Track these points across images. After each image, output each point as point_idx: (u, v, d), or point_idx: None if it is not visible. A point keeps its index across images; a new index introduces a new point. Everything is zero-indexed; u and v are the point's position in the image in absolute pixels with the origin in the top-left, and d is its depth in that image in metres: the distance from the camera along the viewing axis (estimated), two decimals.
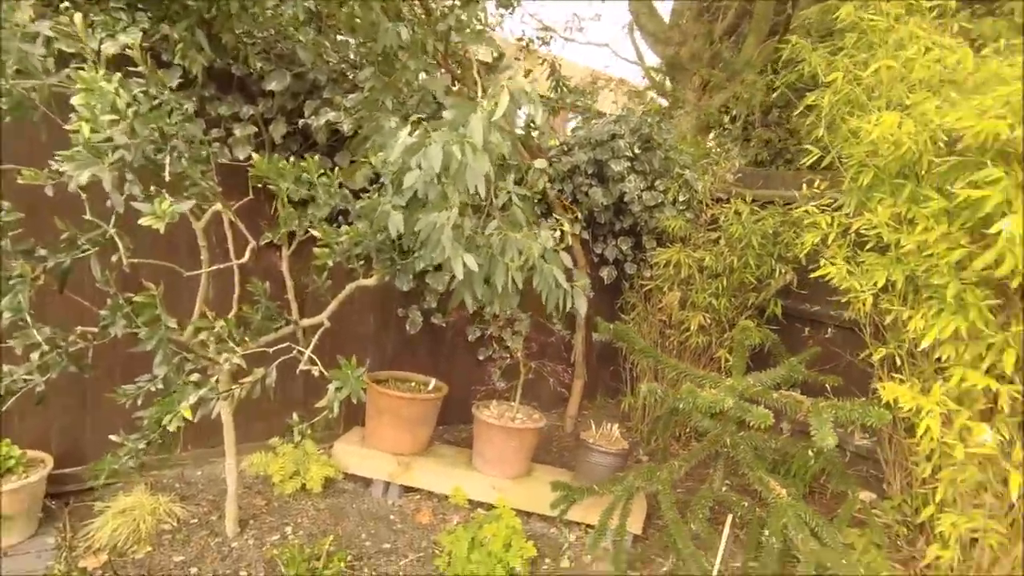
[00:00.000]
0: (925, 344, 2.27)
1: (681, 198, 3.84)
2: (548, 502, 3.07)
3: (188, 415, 1.48)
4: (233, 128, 2.79)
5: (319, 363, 1.77)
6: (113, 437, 1.69)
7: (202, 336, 1.76)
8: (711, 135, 6.75)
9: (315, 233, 1.76)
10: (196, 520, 2.81)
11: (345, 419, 3.72)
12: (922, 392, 2.33)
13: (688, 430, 4.27)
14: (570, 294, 1.72)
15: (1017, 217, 1.85)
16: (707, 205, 3.89)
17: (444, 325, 3.81)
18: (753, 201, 3.70)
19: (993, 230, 1.91)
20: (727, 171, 4.02)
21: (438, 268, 3.53)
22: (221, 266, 2.00)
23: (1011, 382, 2.27)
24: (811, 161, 2.68)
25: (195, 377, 1.64)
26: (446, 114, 1.56)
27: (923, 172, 2.27)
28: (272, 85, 2.81)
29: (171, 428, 1.60)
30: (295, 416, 1.75)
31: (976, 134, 2.03)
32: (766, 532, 2.71)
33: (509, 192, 1.66)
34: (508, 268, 1.53)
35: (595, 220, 4.07)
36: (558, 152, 3.94)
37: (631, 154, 3.68)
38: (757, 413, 2.41)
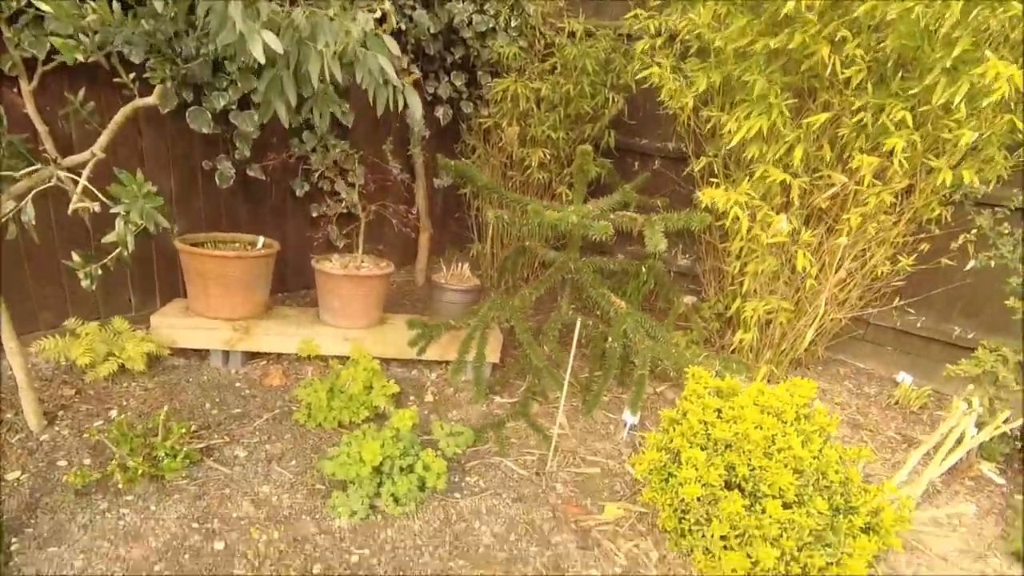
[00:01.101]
0: (735, 142, 2.46)
1: (514, 23, 3.62)
2: (405, 346, 3.05)
3: None
4: None
5: (98, 197, 1.41)
6: None
7: None
8: None
9: (43, 7, 1.29)
10: None
11: (161, 294, 3.27)
12: (733, 190, 2.57)
13: (535, 269, 4.44)
14: (400, 90, 1.51)
15: None
16: (540, 32, 3.72)
17: (265, 179, 3.37)
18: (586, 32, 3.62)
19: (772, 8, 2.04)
20: None
21: (244, 106, 3.04)
22: None
23: (799, 176, 2.59)
24: None
25: None
26: None
27: None
28: None
29: None
30: (75, 256, 1.40)
31: None
32: (609, 339, 2.97)
33: None
34: (322, 56, 1.26)
35: (424, 53, 3.72)
36: None
37: None
38: (598, 227, 2.50)
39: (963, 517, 2.49)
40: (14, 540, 1.86)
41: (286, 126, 1.75)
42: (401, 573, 1.96)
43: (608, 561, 2.12)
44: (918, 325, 3.46)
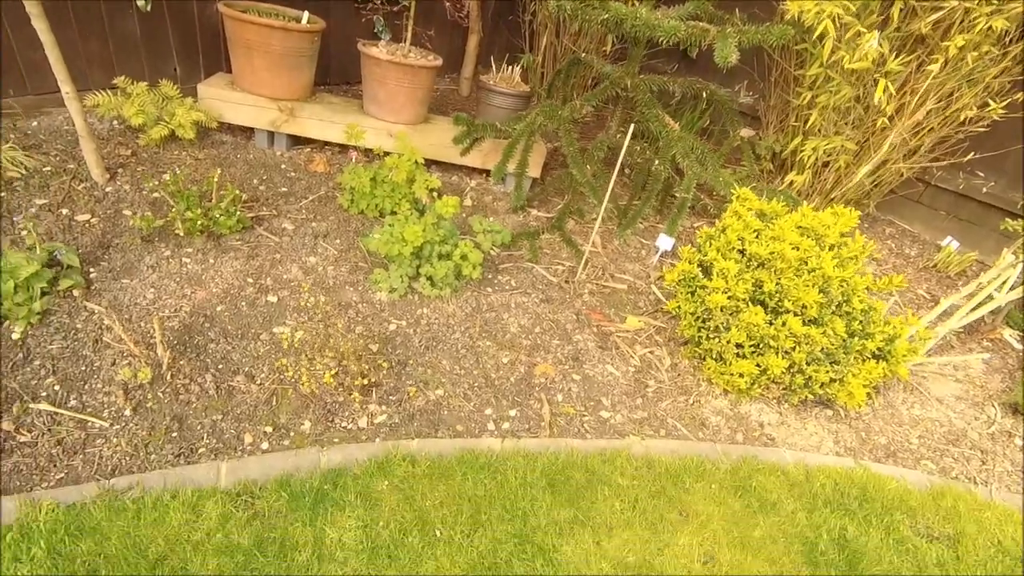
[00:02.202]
0: None
1: None
2: (447, 148, 3.02)
3: None
4: None
5: None
6: None
7: None
8: None
9: None
10: (49, 168, 2.46)
11: (204, 68, 3.21)
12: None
13: (587, 88, 4.20)
14: None
15: None
16: None
17: None
18: None
19: None
20: None
21: None
22: None
23: None
24: None
25: None
26: None
27: None
28: None
29: None
30: None
31: None
32: (656, 162, 2.89)
33: None
34: None
35: None
36: None
37: None
38: (668, 26, 2.30)
39: (970, 370, 2.58)
40: (91, 270, 2.06)
41: None
42: (434, 343, 2.15)
43: (623, 360, 2.29)
44: (984, 190, 3.28)
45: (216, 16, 3.00)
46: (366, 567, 1.39)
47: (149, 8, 1.43)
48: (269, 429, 1.71)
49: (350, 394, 1.83)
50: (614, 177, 2.55)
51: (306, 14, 2.91)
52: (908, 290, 3.06)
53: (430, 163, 3.18)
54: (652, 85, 2.99)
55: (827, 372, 1.90)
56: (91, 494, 1.42)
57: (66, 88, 2.19)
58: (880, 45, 2.38)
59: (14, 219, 2.16)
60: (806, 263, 1.87)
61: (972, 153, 3.05)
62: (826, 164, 3.02)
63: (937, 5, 2.34)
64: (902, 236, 3.56)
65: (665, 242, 2.74)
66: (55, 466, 1.49)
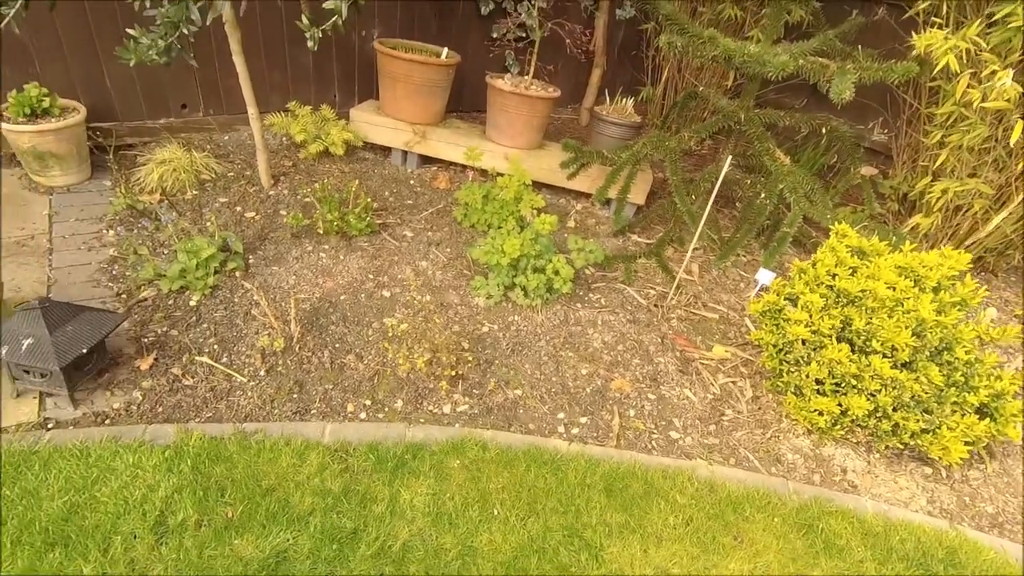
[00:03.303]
0: None
1: None
2: (557, 173, 3.23)
3: None
4: None
5: None
6: (130, 31, 1.71)
7: None
8: None
9: None
10: (232, 174, 3.03)
11: (359, 95, 3.72)
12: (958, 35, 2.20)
13: (704, 120, 4.22)
14: None
15: None
16: None
17: None
18: None
19: None
20: None
21: None
22: None
23: None
24: None
25: None
26: None
27: None
28: None
29: (178, 22, 1.60)
30: (304, 18, 1.72)
31: None
32: (762, 195, 2.88)
33: None
34: None
35: None
36: None
37: None
38: (776, 62, 2.33)
39: None
40: (250, 257, 2.51)
41: None
42: (519, 347, 2.33)
43: (702, 386, 2.31)
44: None
45: (372, 51, 3.50)
46: (430, 527, 1.59)
47: (316, 48, 1.79)
48: (368, 402, 1.99)
49: (439, 382, 2.07)
50: (709, 205, 2.60)
51: (445, 50, 3.30)
52: None
53: (541, 186, 3.42)
54: (766, 119, 2.99)
55: (917, 421, 1.80)
56: (228, 432, 1.77)
57: (251, 110, 2.71)
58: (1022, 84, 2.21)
59: (203, 212, 2.70)
60: (901, 304, 1.80)
61: None
62: (959, 208, 2.81)
63: None
64: None
65: (766, 276, 2.70)
66: (206, 407, 1.87)
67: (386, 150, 3.48)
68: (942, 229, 2.94)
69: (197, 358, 1.99)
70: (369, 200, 2.83)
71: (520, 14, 3.65)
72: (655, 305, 2.71)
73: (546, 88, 3.23)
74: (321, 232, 2.64)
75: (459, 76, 3.59)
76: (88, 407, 1.76)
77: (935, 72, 2.22)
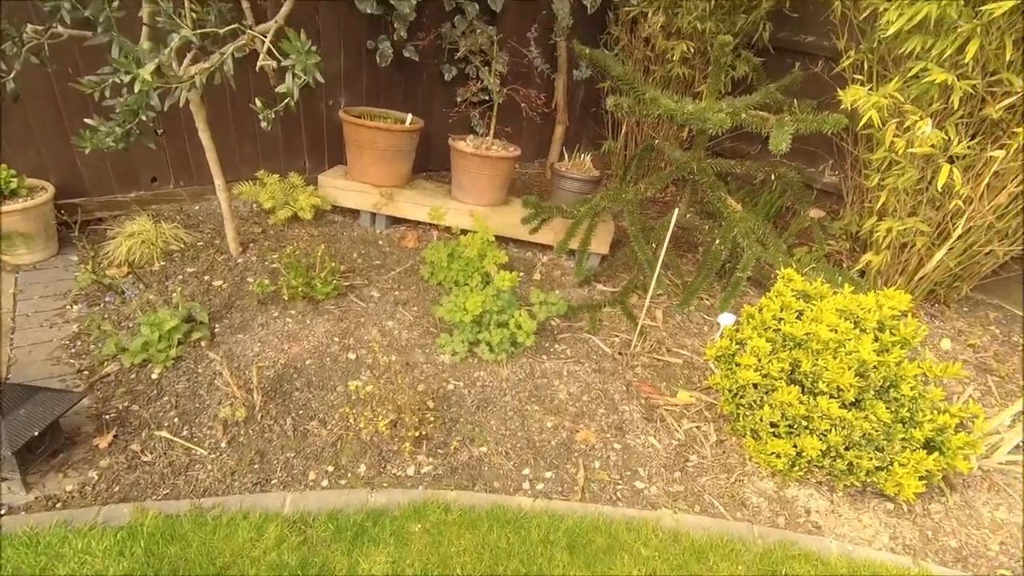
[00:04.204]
0: (891, 32, 2.22)
1: None
2: (523, 227, 3.33)
3: (148, 77, 1.53)
4: None
5: (276, 58, 1.78)
6: (88, 120, 1.78)
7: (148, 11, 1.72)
8: None
9: None
10: (202, 243, 3.09)
11: (328, 161, 3.84)
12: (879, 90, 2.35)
13: (663, 169, 4.38)
14: None
15: None
16: None
17: (418, 60, 3.68)
18: None
19: None
20: None
21: None
22: None
23: (968, 78, 2.28)
24: None
25: (148, 45, 1.66)
26: None
27: None
28: None
29: (137, 109, 1.68)
30: (258, 102, 1.81)
31: None
32: (717, 241, 2.98)
33: None
34: None
35: None
36: None
37: None
38: (715, 119, 2.46)
39: None
40: (216, 326, 2.54)
41: (406, 10, 1.95)
42: (485, 403, 2.35)
43: (667, 433, 2.34)
44: None
45: (339, 119, 3.63)
46: None
47: (270, 128, 1.88)
48: (331, 468, 1.98)
49: (403, 444, 2.08)
50: (662, 253, 2.68)
51: (410, 116, 3.44)
52: (1009, 380, 2.79)
53: (508, 240, 3.51)
54: (717, 168, 3.13)
55: (870, 459, 1.84)
56: (184, 509, 1.75)
57: (219, 182, 2.79)
58: (945, 131, 2.36)
59: (169, 283, 2.73)
60: (843, 345, 1.87)
61: None
62: (905, 245, 2.93)
63: (1008, 90, 2.30)
64: (1010, 322, 3.25)
65: (727, 319, 2.77)
66: (164, 483, 1.86)
67: (355, 212, 3.56)
68: (892, 265, 3.05)
69: (156, 433, 1.99)
70: (336, 263, 2.89)
71: (482, 79, 3.84)
72: (620, 353, 2.75)
73: (507, 148, 3.36)
74: (287, 298, 2.68)
75: (426, 137, 3.73)
76: (41, 490, 1.75)
77: (861, 124, 2.36)
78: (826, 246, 3.23)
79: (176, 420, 2.06)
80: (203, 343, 2.40)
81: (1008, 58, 2.22)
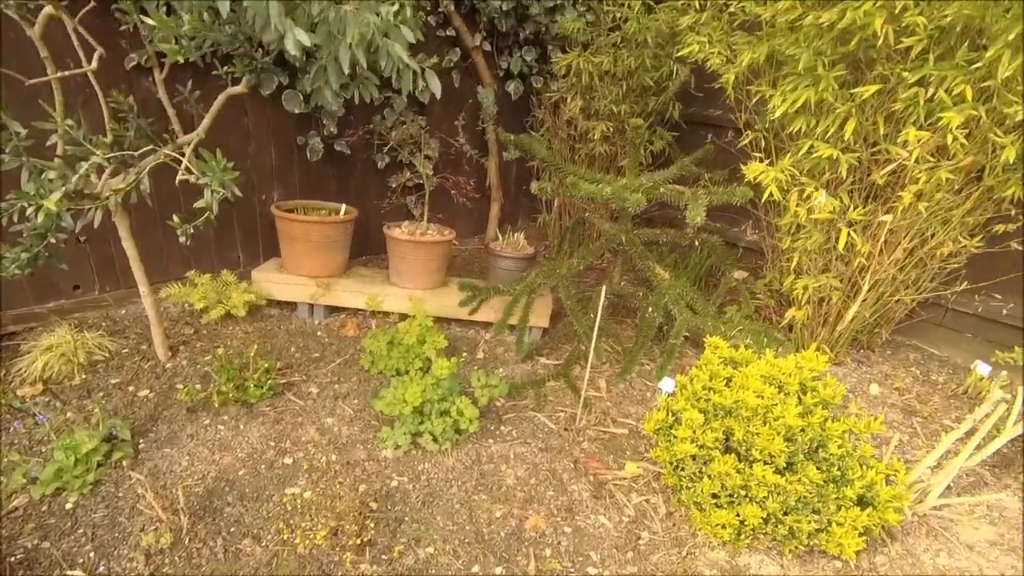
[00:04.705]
0: (778, 114, 2.44)
1: None
2: (463, 309, 3.36)
3: (53, 207, 1.51)
4: None
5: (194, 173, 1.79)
6: None
7: (58, 139, 1.72)
8: None
9: (149, 21, 1.67)
10: (127, 350, 2.96)
11: (263, 254, 3.81)
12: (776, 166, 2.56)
13: (596, 240, 4.55)
14: (419, 74, 1.73)
15: None
16: (607, 4, 3.76)
17: (349, 153, 3.78)
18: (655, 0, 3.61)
19: None
20: None
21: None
22: (66, 73, 1.89)
23: (851, 151, 2.52)
24: None
25: (54, 175, 1.64)
26: None
27: None
28: None
29: (45, 232, 1.64)
30: (175, 218, 1.81)
31: None
32: (650, 309, 3.08)
33: None
34: (350, 47, 1.51)
35: (497, 30, 3.91)
36: None
37: None
38: (632, 199, 2.60)
39: (1006, 510, 2.39)
40: (141, 441, 2.40)
41: (331, 109, 2.04)
42: (430, 498, 2.28)
43: (617, 510, 2.32)
44: (1004, 312, 3.22)
45: (272, 213, 3.64)
46: None
47: (188, 243, 1.87)
48: None
49: (344, 554, 1.98)
50: (596, 322, 2.75)
51: (344, 206, 3.48)
52: (933, 421, 2.93)
53: (450, 320, 3.52)
54: (645, 238, 3.28)
55: (809, 522, 1.87)
56: None
57: (143, 288, 2.72)
58: (839, 199, 2.58)
59: (90, 398, 2.59)
60: (770, 410, 1.93)
61: (963, 283, 3.05)
62: (823, 300, 3.11)
63: (889, 159, 2.55)
64: (928, 361, 3.46)
65: (668, 385, 2.83)
66: None
67: (292, 305, 3.52)
68: (814, 318, 3.22)
69: (69, 573, 1.83)
70: (272, 361, 2.82)
71: (416, 167, 3.95)
72: (566, 429, 2.75)
73: (442, 232, 3.43)
74: (218, 404, 2.58)
75: (363, 224, 3.77)
76: None
77: (765, 197, 2.55)
78: (753, 304, 3.38)
79: (92, 555, 1.91)
80: (125, 463, 2.26)
81: (883, 132, 2.47)
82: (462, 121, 4.04)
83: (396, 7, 1.50)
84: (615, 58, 3.60)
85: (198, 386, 2.66)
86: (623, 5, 3.57)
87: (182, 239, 1.80)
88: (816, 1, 2.30)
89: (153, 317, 2.81)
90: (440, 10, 3.73)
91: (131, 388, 2.71)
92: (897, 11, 2.16)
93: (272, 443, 2.47)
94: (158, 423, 2.50)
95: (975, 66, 2.13)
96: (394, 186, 4.02)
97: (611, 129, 3.89)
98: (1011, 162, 2.23)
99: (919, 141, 2.24)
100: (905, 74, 2.24)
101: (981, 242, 2.66)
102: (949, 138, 2.20)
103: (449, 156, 4.17)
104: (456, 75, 4.07)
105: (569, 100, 3.90)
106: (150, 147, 1.97)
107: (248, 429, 2.53)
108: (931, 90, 2.24)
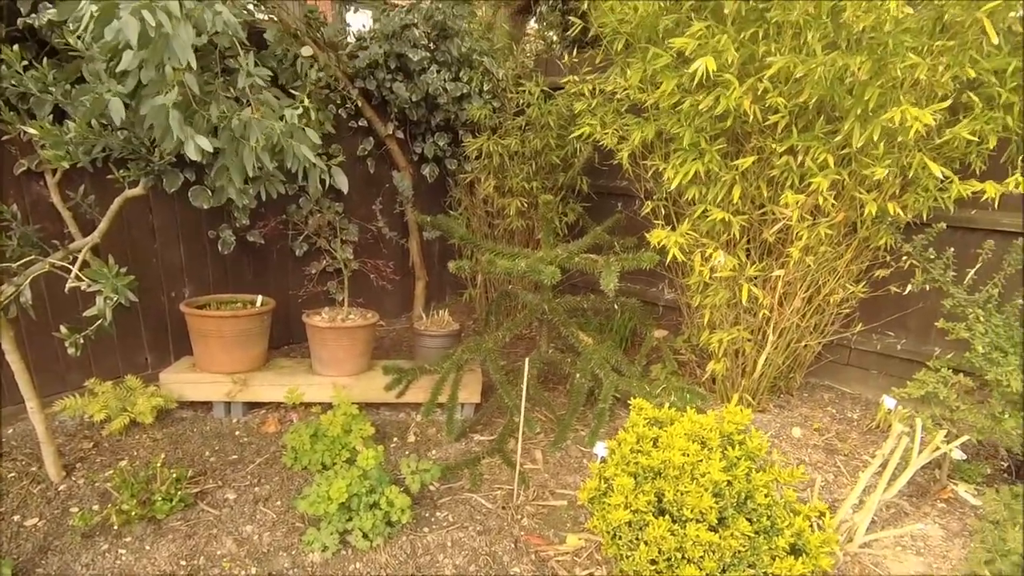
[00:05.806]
0: (673, 186, 2.65)
1: (486, 87, 3.94)
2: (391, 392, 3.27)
3: None
4: None
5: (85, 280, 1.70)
6: None
7: None
8: (531, 20, 6.78)
9: (30, 131, 1.62)
10: (14, 474, 2.66)
11: (174, 353, 3.60)
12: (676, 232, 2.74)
13: (521, 311, 4.63)
14: (326, 171, 1.77)
15: (709, 58, 2.18)
16: (510, 92, 4.03)
17: (264, 243, 3.72)
18: (552, 88, 3.89)
19: (691, 70, 2.24)
20: (526, 57, 4.16)
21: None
22: None
23: (742, 213, 2.74)
24: (575, 33, 2.88)
25: None
26: None
27: (658, 35, 2.55)
28: None
29: None
30: (63, 328, 1.69)
31: None
32: (578, 375, 3.12)
33: (251, 74, 1.62)
34: (254, 150, 1.53)
35: (408, 119, 4.07)
36: (355, 47, 3.81)
37: (428, 44, 3.66)
38: (547, 272, 2.69)
39: (929, 539, 2.50)
40: None
41: (240, 204, 2.04)
42: None
43: None
44: (898, 348, 3.49)
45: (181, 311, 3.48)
46: None
47: (79, 354, 1.75)
48: None
49: None
50: (524, 394, 2.75)
51: (260, 297, 3.38)
52: (854, 457, 3.07)
53: (380, 405, 3.41)
54: (566, 306, 3.37)
55: None
56: None
57: (31, 404, 2.48)
58: (736, 257, 2.78)
59: None
60: (696, 467, 1.97)
61: (859, 324, 3.32)
62: (737, 351, 3.26)
63: (776, 218, 2.79)
64: (842, 400, 3.66)
65: (602, 449, 2.83)
66: None
67: (208, 405, 3.31)
68: (733, 370, 3.36)
69: None
70: (183, 469, 2.61)
71: (335, 252, 3.93)
72: (503, 507, 2.67)
73: (364, 315, 3.38)
74: (118, 525, 2.33)
75: (284, 313, 3.66)
76: None
77: (670, 259, 2.71)
78: (676, 360, 3.50)
79: None
80: None
81: (766, 195, 2.71)
82: (379, 205, 4.09)
83: (300, 111, 1.55)
84: (522, 140, 3.81)
85: (95, 507, 2.41)
86: (525, 91, 3.83)
87: (71, 350, 1.68)
88: (691, 85, 2.56)
89: (43, 434, 2.56)
90: (351, 103, 3.85)
91: (16, 518, 2.41)
92: (760, 92, 2.44)
93: (183, 562, 2.24)
94: (47, 555, 2.22)
95: (837, 138, 2.41)
96: (312, 273, 3.96)
97: (526, 204, 4.06)
98: (875, 215, 2.49)
99: (797, 203, 2.48)
100: (775, 145, 2.50)
101: (866, 287, 2.92)
102: (821, 199, 2.45)
103: (368, 240, 4.19)
104: (371, 162, 4.16)
105: (483, 179, 4.06)
106: (34, 256, 1.86)
107: (155, 549, 2.29)
108: (800, 157, 2.51)
